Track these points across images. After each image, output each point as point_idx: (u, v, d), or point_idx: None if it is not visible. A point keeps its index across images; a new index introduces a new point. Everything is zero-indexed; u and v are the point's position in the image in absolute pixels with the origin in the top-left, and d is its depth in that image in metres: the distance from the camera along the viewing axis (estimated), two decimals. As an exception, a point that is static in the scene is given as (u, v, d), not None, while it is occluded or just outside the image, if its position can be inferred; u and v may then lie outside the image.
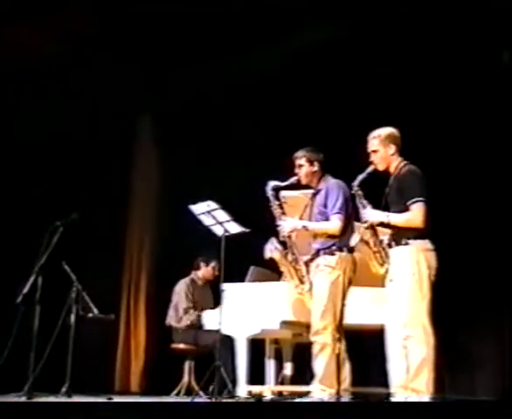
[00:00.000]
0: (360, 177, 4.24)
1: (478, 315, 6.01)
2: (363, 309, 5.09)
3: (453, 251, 5.55)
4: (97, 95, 7.14)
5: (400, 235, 4.12)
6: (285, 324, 5.24)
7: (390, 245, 4.18)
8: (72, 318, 5.47)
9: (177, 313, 6.38)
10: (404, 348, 4.03)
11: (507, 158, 6.08)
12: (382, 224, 4.19)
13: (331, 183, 4.72)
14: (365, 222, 4.21)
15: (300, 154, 4.80)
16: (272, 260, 4.89)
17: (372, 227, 4.18)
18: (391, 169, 4.27)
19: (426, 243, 4.10)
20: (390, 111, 5.85)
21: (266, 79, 6.80)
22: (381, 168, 4.27)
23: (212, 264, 6.50)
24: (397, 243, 4.12)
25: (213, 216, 5.26)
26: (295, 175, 4.80)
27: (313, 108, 6.70)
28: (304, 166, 4.78)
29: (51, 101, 6.94)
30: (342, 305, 4.58)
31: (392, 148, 4.25)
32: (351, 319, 4.76)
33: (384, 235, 4.22)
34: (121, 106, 7.37)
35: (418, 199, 4.07)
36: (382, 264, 4.17)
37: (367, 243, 4.19)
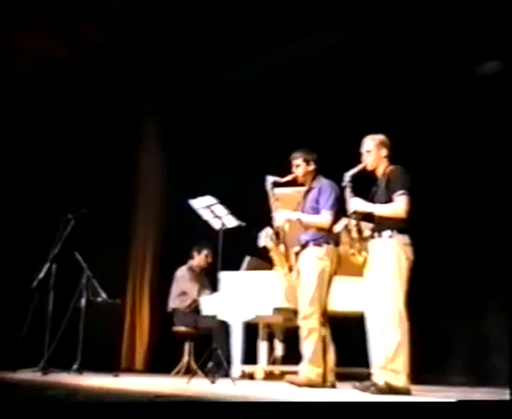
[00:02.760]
0: (352, 171, 4.33)
1: (451, 304, 6.01)
2: (346, 297, 5.12)
3: (430, 246, 5.59)
4: (105, 97, 7.10)
5: (382, 227, 4.17)
6: (277, 310, 5.28)
7: (372, 237, 4.23)
8: (83, 302, 5.54)
9: (185, 297, 6.38)
10: (383, 333, 4.04)
11: (480, 161, 6.05)
12: (366, 215, 4.24)
13: (325, 183, 4.77)
14: (351, 211, 4.25)
15: (297, 154, 4.85)
16: (265, 248, 4.93)
17: (357, 216, 4.23)
18: (379, 171, 4.35)
19: (405, 238, 4.14)
20: (375, 119, 5.65)
21: (265, 84, 6.79)
22: (370, 167, 4.35)
23: (204, 252, 6.55)
24: (380, 235, 4.17)
25: (211, 211, 5.25)
26: (292, 173, 4.84)
27: (303, 114, 6.69)
28: (301, 166, 4.82)
29: (64, 103, 6.92)
30: (327, 293, 4.61)
31: (384, 152, 4.34)
32: (335, 305, 4.77)
33: (366, 228, 4.26)
34: (128, 108, 7.37)
35: (402, 192, 4.13)
36: (360, 253, 4.21)
37: (349, 231, 4.24)
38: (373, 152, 4.33)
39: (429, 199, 5.78)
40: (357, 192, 4.32)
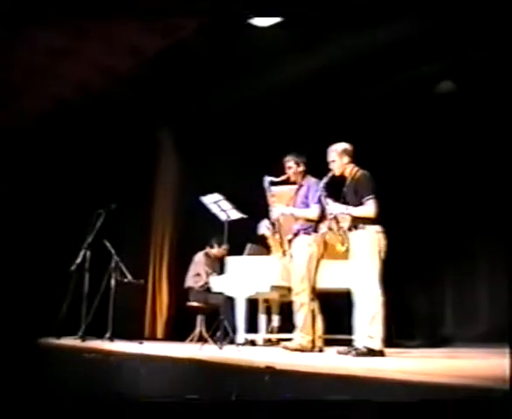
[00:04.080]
0: (323, 181, 4.43)
1: (419, 281, 6.18)
2: (331, 277, 5.14)
3: (401, 234, 5.55)
4: (132, 111, 7.07)
5: (357, 222, 4.28)
6: (273, 288, 5.36)
7: (350, 229, 4.32)
8: (113, 282, 5.72)
9: (199, 278, 6.43)
10: (362, 305, 4.17)
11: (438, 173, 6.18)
12: (342, 213, 4.37)
13: (312, 181, 4.84)
14: (330, 214, 4.35)
15: (289, 157, 4.93)
16: (263, 236, 5.08)
17: (335, 218, 4.34)
18: (346, 174, 4.44)
19: (377, 227, 4.25)
20: (352, 128, 5.81)
21: (262, 102, 6.72)
22: (337, 173, 4.45)
23: (224, 246, 6.16)
24: (356, 228, 4.28)
25: (219, 205, 5.27)
26: (285, 173, 4.92)
27: (295, 124, 6.65)
28: (293, 167, 4.90)
29: (100, 118, 6.97)
30: (316, 273, 4.71)
31: (346, 159, 4.42)
32: (322, 283, 4.82)
33: (344, 221, 4.34)
34: (149, 122, 7.36)
35: (370, 196, 4.23)
36: (343, 244, 4.32)
37: (331, 229, 4.36)
38: (337, 161, 4.42)
39: (394, 197, 5.65)
40: (332, 192, 4.38)
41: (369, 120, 6.36)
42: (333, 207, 4.36)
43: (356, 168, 4.43)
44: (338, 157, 4.43)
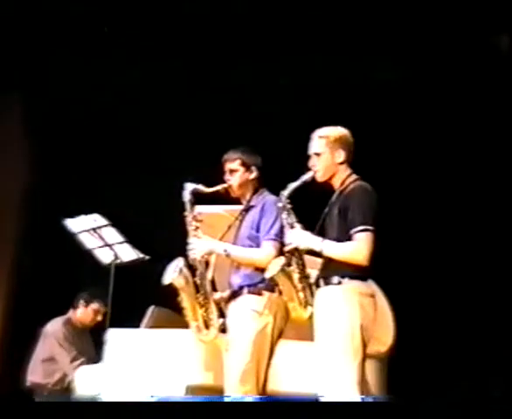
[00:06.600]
0: (292, 186, 4.08)
1: (448, 376, 6.05)
2: (296, 371, 4.76)
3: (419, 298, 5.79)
4: None
5: (332, 271, 3.96)
6: (192, 389, 4.91)
7: (317, 284, 4.01)
8: None
9: (54, 367, 6.21)
10: None
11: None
12: (312, 253, 4.07)
13: (269, 201, 4.55)
14: (290, 244, 4.07)
15: (233, 155, 4.65)
16: (174, 290, 4.69)
17: (298, 254, 4.04)
18: (336, 183, 4.10)
19: (365, 286, 3.96)
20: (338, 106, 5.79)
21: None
22: (321, 177, 4.10)
23: (93, 305, 6.31)
24: (327, 283, 3.96)
25: (100, 236, 5.27)
26: (224, 182, 4.64)
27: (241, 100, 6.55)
28: (238, 171, 4.64)
29: None
30: (269, 364, 4.47)
31: (342, 156, 4.07)
32: (281, 384, 4.58)
33: (313, 267, 4.11)
34: None
35: (365, 228, 3.91)
36: (305, 307, 4.04)
37: (289, 276, 4.04)
38: (325, 155, 4.10)
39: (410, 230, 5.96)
40: (302, 214, 4.08)
41: (367, 105, 6.18)
42: (298, 235, 4.01)
43: (354, 177, 4.06)
44: (329, 149, 4.06)
